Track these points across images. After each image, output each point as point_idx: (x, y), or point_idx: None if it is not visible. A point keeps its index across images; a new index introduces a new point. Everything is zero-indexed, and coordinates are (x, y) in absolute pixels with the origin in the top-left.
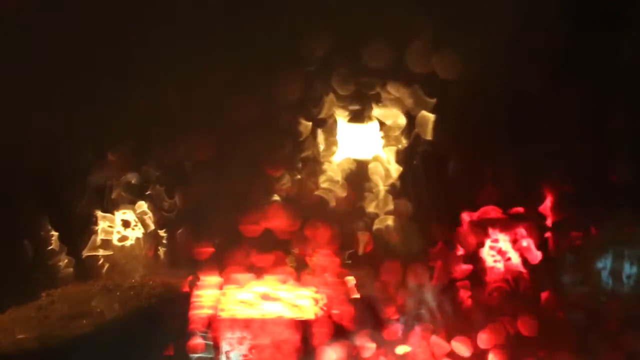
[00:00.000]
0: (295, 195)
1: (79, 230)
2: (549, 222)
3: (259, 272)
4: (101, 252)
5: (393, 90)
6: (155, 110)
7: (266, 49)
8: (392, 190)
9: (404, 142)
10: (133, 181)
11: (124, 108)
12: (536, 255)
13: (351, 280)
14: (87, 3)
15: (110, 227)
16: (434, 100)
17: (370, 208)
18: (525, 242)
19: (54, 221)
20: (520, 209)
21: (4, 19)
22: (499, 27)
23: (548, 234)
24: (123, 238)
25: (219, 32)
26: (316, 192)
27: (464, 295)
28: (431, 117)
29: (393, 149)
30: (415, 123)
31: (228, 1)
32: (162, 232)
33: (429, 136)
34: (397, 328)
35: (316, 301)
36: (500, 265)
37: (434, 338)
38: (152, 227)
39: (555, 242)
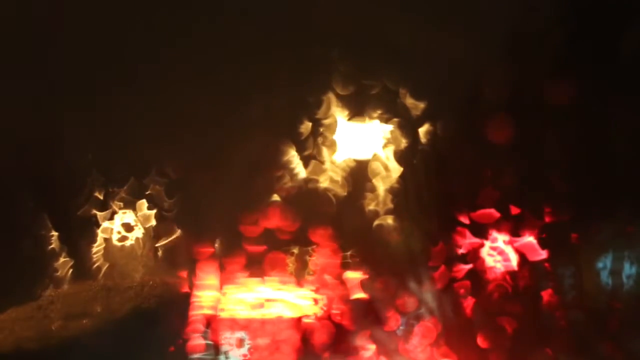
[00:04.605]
0: (295, 195)
1: (79, 230)
2: (548, 223)
3: (259, 272)
4: (101, 252)
5: (393, 90)
6: (155, 111)
7: (266, 50)
8: (392, 190)
9: (404, 142)
10: (133, 182)
11: (124, 109)
12: (536, 256)
13: (352, 280)
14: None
15: (110, 227)
16: (433, 102)
17: (371, 207)
18: (525, 243)
19: (54, 221)
20: (520, 210)
21: (5, 22)
22: (498, 29)
23: (548, 234)
24: (123, 238)
25: (219, 33)
26: (316, 192)
27: (464, 294)
28: (432, 117)
29: (393, 149)
30: (415, 124)
31: (229, 3)
32: (162, 232)
33: (429, 137)
34: (398, 328)
35: (316, 301)
36: (499, 266)
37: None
38: (152, 227)
39: (555, 242)
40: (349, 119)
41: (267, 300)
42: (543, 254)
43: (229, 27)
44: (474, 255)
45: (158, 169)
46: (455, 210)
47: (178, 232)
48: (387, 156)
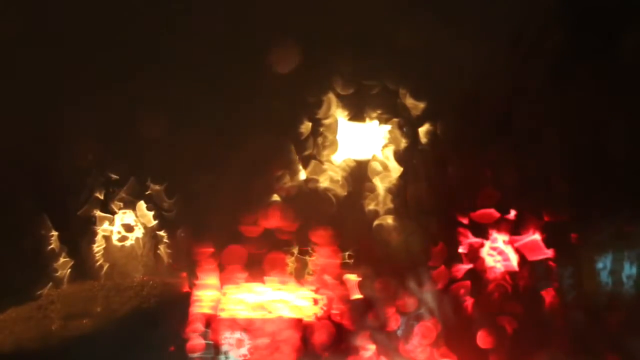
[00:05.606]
0: (295, 195)
1: (79, 231)
2: (548, 223)
3: (259, 272)
4: (102, 252)
5: (393, 90)
6: (155, 111)
7: (267, 51)
8: (392, 190)
9: (404, 142)
10: (133, 182)
11: (124, 109)
12: (536, 255)
13: (352, 280)
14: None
15: (110, 227)
16: (433, 102)
17: (371, 207)
18: (525, 243)
19: (54, 221)
20: (520, 210)
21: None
22: (498, 29)
23: (548, 235)
24: (123, 238)
25: (220, 32)
26: (316, 192)
27: (464, 294)
28: (432, 117)
29: (393, 149)
30: (415, 124)
31: (230, 5)
32: (162, 232)
33: (429, 137)
34: (398, 328)
35: (316, 301)
36: (499, 266)
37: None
38: (151, 227)
39: (554, 243)
40: (349, 119)
41: (267, 301)
42: (543, 254)
43: (230, 28)
44: (474, 255)
45: (158, 170)
46: (455, 210)
47: (178, 232)
48: (387, 156)
